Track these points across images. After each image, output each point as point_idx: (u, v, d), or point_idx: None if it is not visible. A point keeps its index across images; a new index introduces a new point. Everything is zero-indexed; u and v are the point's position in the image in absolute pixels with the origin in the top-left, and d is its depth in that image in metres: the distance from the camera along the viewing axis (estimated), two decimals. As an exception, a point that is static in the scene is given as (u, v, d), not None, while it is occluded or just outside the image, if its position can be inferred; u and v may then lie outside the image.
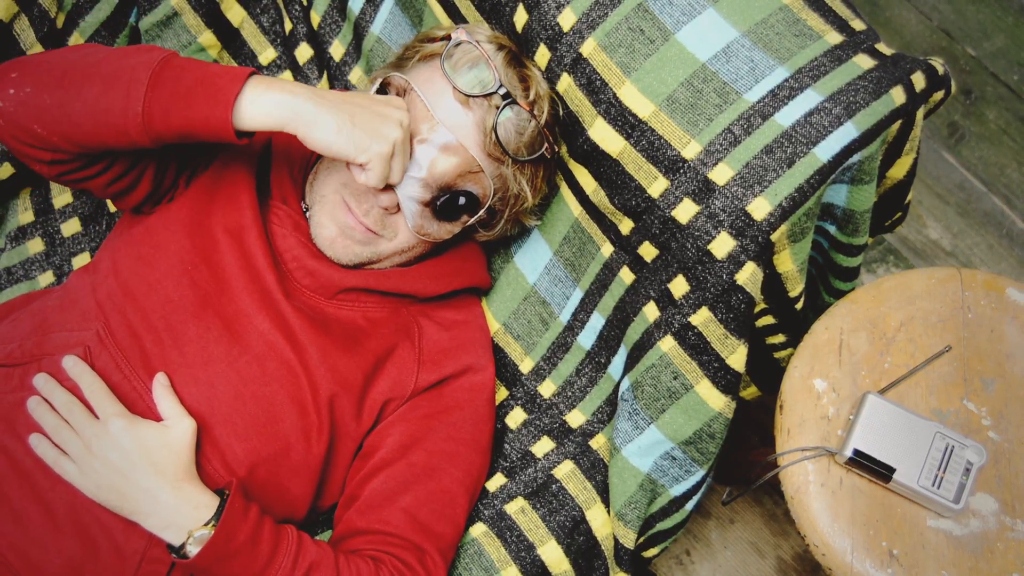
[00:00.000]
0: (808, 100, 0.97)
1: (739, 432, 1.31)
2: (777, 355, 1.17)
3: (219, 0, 1.29)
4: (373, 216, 1.01)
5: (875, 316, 1.07)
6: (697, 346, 1.00)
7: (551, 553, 1.06)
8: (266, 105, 0.87)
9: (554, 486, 1.10)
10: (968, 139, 1.89)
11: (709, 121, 0.98)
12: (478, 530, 1.08)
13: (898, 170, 1.07)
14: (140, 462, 0.89)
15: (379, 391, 1.04)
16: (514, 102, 1.00)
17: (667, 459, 1.05)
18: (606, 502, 1.09)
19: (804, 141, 0.95)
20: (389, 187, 0.98)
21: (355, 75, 1.32)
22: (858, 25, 1.03)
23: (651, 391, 1.03)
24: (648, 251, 1.04)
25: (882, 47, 1.02)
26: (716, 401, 1.01)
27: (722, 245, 0.96)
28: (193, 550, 0.88)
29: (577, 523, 1.08)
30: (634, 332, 1.07)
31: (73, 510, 0.91)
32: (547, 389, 1.18)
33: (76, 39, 1.20)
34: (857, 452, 0.97)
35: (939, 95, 1.02)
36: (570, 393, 1.17)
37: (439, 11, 1.19)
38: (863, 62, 0.99)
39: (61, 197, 1.26)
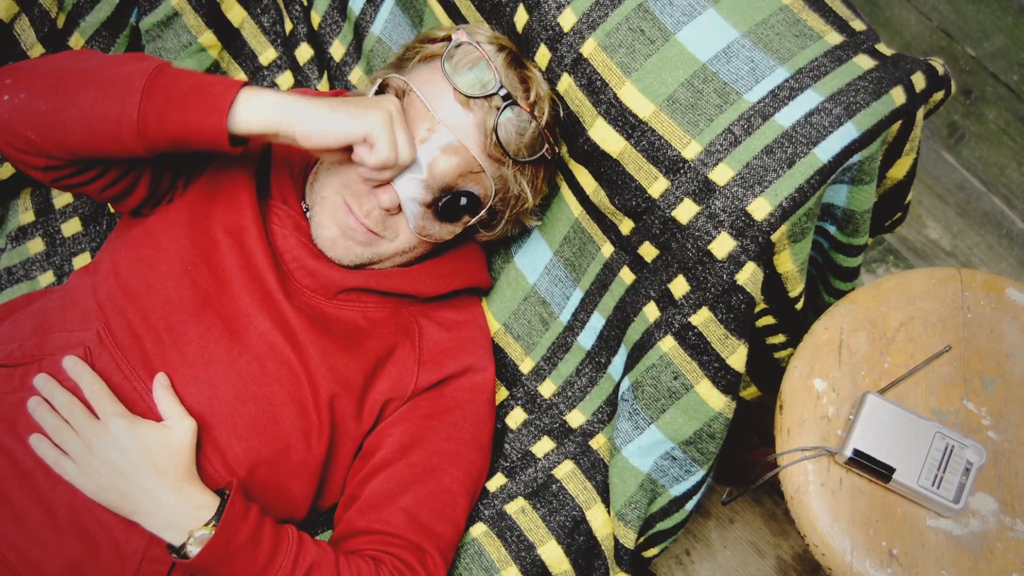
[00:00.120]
0: (808, 100, 0.97)
1: (739, 432, 1.31)
2: (777, 355, 1.17)
3: (220, 0, 1.29)
4: (374, 217, 1.01)
5: (875, 316, 1.07)
6: (697, 346, 1.00)
7: (551, 553, 1.06)
8: (260, 107, 0.87)
9: (554, 486, 1.10)
10: (968, 139, 1.89)
11: (709, 121, 0.98)
12: (478, 530, 1.08)
13: (898, 170, 1.07)
14: (141, 462, 0.89)
15: (379, 391, 1.04)
16: (515, 103, 1.00)
17: (667, 459, 1.05)
18: (606, 502, 1.09)
19: (804, 141, 0.95)
20: (391, 186, 0.98)
21: (355, 75, 1.32)
22: (858, 25, 1.03)
23: (651, 391, 1.03)
24: (648, 251, 1.04)
25: (882, 47, 1.02)
26: (716, 401, 1.01)
27: (722, 245, 0.96)
28: (193, 550, 0.88)
29: (577, 523, 1.08)
30: (634, 332, 1.07)
31: (74, 510, 0.91)
32: (547, 389, 1.18)
33: (77, 39, 1.20)
34: (857, 452, 0.97)
35: (939, 95, 1.02)
36: (570, 393, 1.17)
37: (439, 11, 1.19)
38: (863, 62, 0.99)
39: (61, 197, 1.26)
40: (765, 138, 0.96)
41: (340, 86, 1.34)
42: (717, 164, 0.97)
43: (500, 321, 1.21)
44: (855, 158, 0.97)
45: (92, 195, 0.99)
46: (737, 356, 0.99)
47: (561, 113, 1.07)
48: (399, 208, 1.00)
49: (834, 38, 1.01)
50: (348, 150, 0.93)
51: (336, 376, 1.00)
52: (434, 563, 0.99)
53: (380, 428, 1.05)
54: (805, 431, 1.02)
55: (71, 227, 1.24)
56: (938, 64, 1.02)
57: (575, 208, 1.13)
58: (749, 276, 0.96)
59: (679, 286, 1.00)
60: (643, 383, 1.04)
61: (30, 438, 0.92)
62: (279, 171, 1.09)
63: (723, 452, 1.07)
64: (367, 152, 0.91)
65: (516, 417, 1.18)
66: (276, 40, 1.34)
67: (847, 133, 0.95)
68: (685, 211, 0.99)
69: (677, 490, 1.07)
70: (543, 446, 1.15)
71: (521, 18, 1.07)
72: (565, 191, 1.14)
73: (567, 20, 1.04)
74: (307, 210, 1.08)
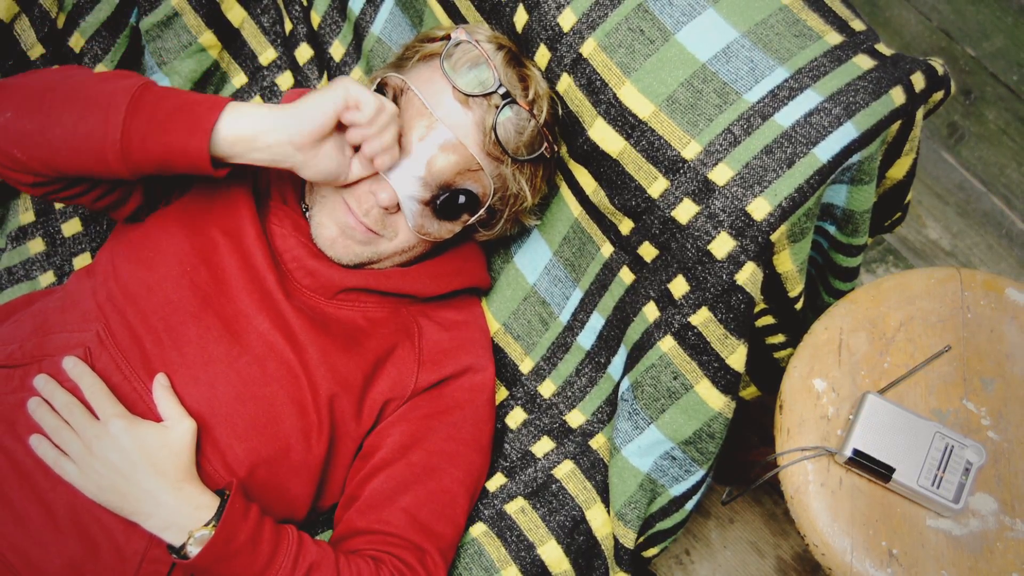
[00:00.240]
0: (808, 100, 0.97)
1: (739, 432, 1.31)
2: (777, 355, 1.17)
3: (220, 0, 1.29)
4: (373, 216, 1.01)
5: (875, 316, 1.07)
6: (697, 346, 1.00)
7: (551, 553, 1.06)
8: (241, 122, 0.87)
9: (554, 486, 1.10)
10: (968, 139, 1.89)
11: (709, 121, 0.98)
12: (478, 530, 1.08)
13: (898, 170, 1.07)
14: (140, 463, 0.89)
15: (379, 391, 1.04)
16: (513, 101, 1.00)
17: (667, 459, 1.05)
18: (606, 502, 1.09)
19: (804, 141, 0.95)
20: (389, 184, 0.98)
21: (355, 75, 1.32)
22: (858, 25, 1.03)
23: (651, 391, 1.03)
24: (648, 251, 1.04)
25: (882, 47, 1.02)
26: (716, 401, 1.01)
27: (722, 245, 0.96)
28: (193, 550, 0.88)
29: (577, 523, 1.08)
30: (634, 332, 1.07)
31: (74, 511, 0.91)
32: (547, 389, 1.18)
33: (77, 39, 1.20)
34: (857, 452, 0.98)
35: (939, 95, 1.02)
36: (570, 393, 1.17)
37: (439, 11, 1.19)
38: (863, 62, 0.99)
39: (61, 197, 1.26)
40: (765, 138, 0.96)
41: (340, 86, 1.33)
42: (717, 164, 0.97)
43: (500, 321, 1.21)
44: (855, 158, 0.97)
45: (86, 206, 0.99)
46: (737, 356, 0.99)
47: (560, 112, 1.07)
48: (398, 207, 1.00)
49: (834, 38, 1.01)
50: (344, 150, 0.93)
51: (336, 376, 1.00)
52: (434, 563, 0.99)
53: (380, 428, 1.05)
54: (805, 431, 1.02)
55: (71, 227, 1.24)
56: (938, 64, 1.02)
57: (575, 208, 1.13)
58: (749, 276, 0.96)
59: (679, 286, 1.00)
60: (643, 383, 1.04)
61: (30, 438, 0.92)
62: (278, 171, 1.09)
63: (723, 452, 1.07)
64: (357, 112, 0.90)
65: (516, 417, 1.18)
66: (276, 40, 1.34)
67: (847, 133, 0.95)
68: (685, 211, 0.99)
69: (677, 490, 1.07)
70: (543, 446, 1.15)
71: (521, 18, 1.08)
72: (565, 191, 1.14)
73: (567, 20, 1.04)
74: (306, 210, 1.08)
